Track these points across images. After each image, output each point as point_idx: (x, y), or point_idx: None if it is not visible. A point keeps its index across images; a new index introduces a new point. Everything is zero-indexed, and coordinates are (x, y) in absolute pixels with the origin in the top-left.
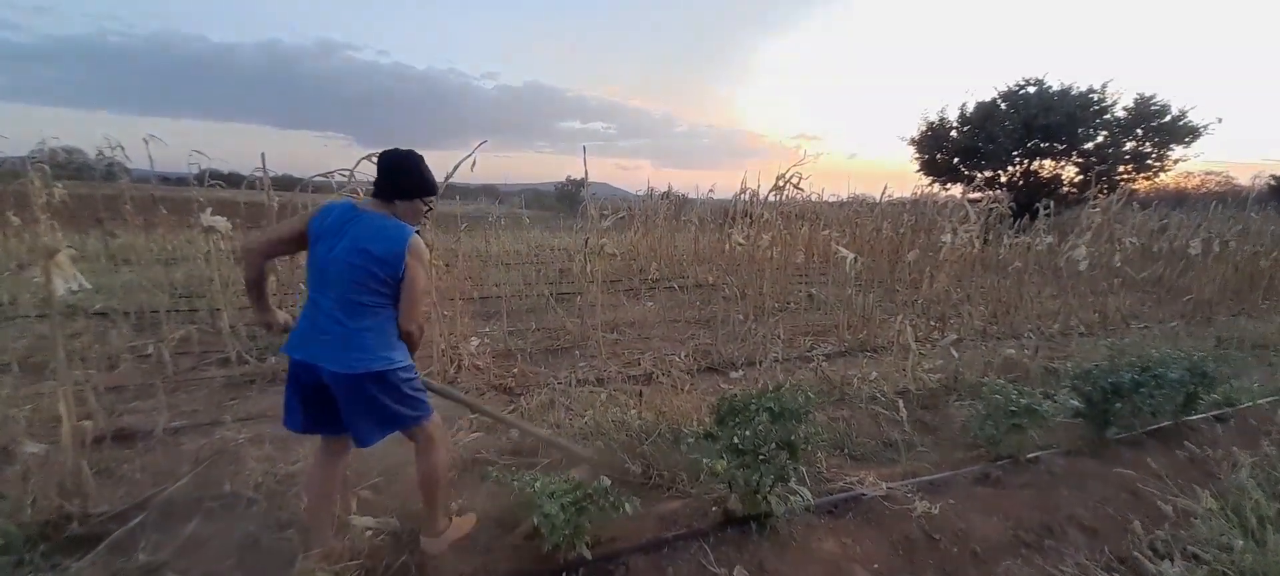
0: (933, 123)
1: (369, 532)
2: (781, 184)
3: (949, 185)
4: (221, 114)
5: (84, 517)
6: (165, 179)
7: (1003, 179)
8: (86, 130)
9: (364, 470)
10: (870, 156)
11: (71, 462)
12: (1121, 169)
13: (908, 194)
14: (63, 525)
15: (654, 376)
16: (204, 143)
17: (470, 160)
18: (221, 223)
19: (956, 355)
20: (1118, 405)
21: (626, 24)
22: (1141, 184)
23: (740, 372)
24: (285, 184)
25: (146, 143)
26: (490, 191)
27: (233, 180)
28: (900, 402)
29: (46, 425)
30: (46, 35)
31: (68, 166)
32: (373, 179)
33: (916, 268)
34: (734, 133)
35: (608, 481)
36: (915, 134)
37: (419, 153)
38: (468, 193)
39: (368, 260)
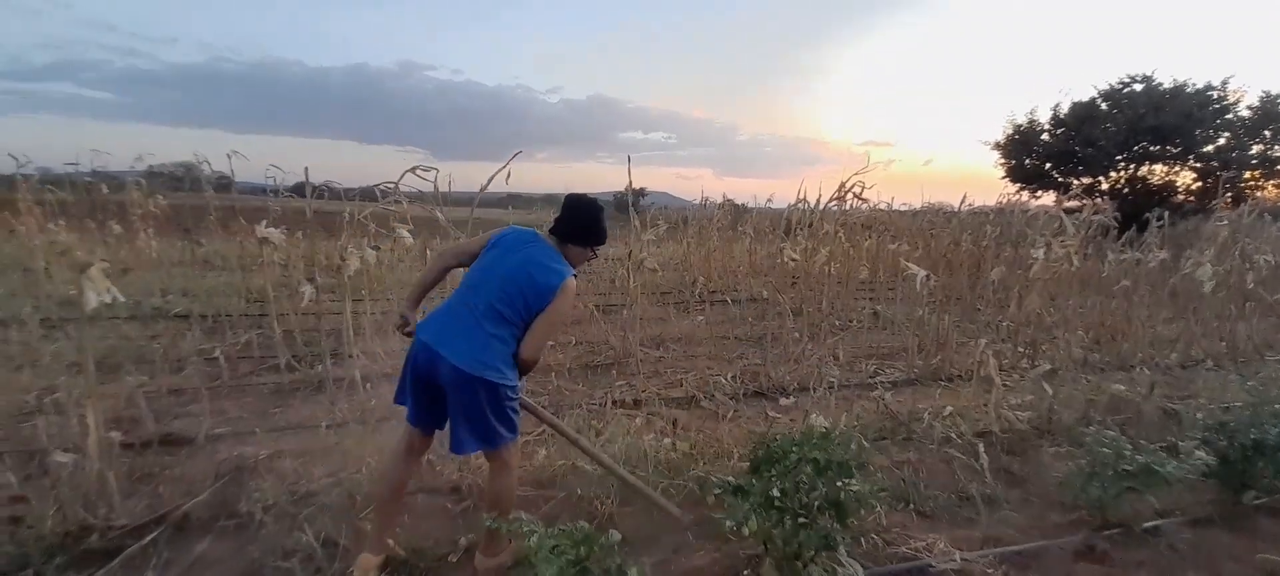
0: (1020, 125)
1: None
2: (843, 193)
3: (1040, 193)
4: (315, 131)
5: (105, 530)
6: (271, 192)
7: (1104, 186)
8: (202, 147)
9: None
10: (947, 162)
11: (98, 473)
12: (1248, 175)
13: (991, 202)
14: (83, 537)
15: (696, 400)
16: (301, 157)
17: (505, 172)
18: (275, 234)
19: (1050, 390)
20: (1259, 464)
21: (689, 36)
22: (1271, 192)
23: (791, 399)
24: (371, 196)
25: (230, 157)
26: (551, 201)
27: (320, 192)
28: (980, 446)
29: (104, 426)
30: (170, 63)
31: (185, 181)
32: (427, 190)
33: (1003, 286)
34: (799, 140)
35: (618, 536)
36: (1001, 137)
37: (600, 204)
38: (531, 202)
39: (527, 283)
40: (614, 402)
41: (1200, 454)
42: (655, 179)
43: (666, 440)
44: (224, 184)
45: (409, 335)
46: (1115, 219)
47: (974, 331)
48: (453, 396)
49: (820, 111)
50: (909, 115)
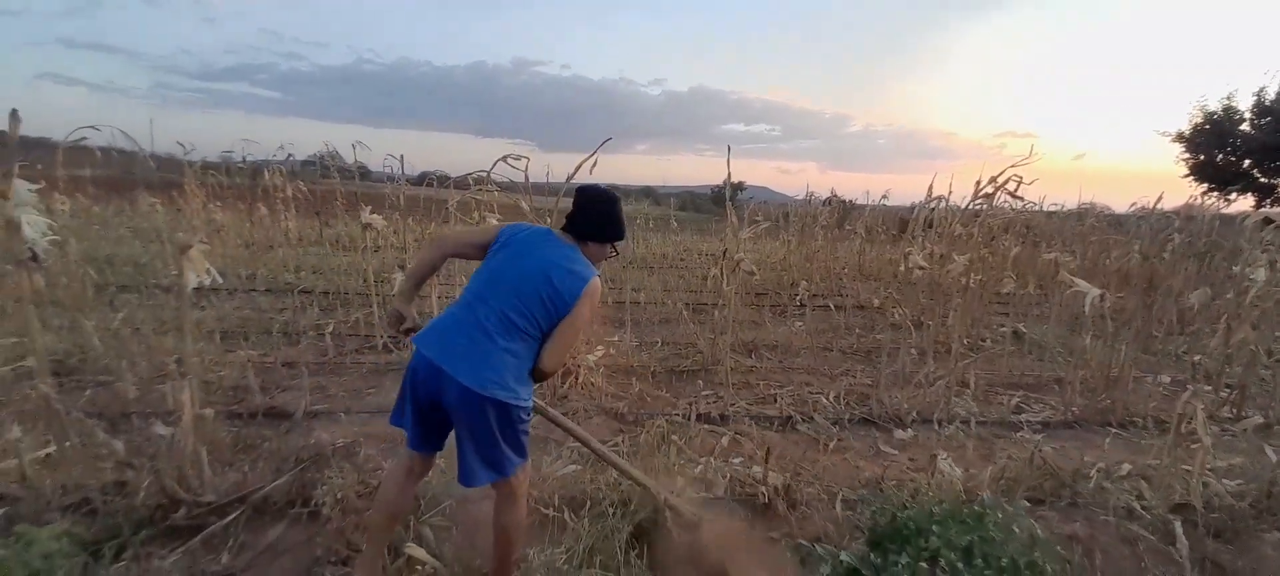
0: (1213, 114)
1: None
2: (992, 190)
3: (1234, 194)
4: (440, 125)
5: (192, 505)
6: (388, 180)
7: None
8: (346, 139)
9: (436, 500)
10: (1106, 158)
11: (191, 448)
12: None
13: (1168, 205)
14: (171, 510)
15: (792, 421)
16: (428, 149)
17: (592, 162)
18: (377, 220)
19: (1273, 456)
20: None
21: (797, 24)
22: None
23: (909, 432)
24: (465, 185)
25: (354, 149)
26: (649, 193)
27: (442, 181)
28: (1177, 525)
29: (222, 394)
30: (322, 65)
31: (331, 169)
32: (508, 180)
33: (1205, 314)
34: (919, 132)
35: None
36: (1185, 128)
37: (616, 194)
38: (628, 193)
39: (546, 288)
40: (698, 416)
41: None
42: (755, 173)
43: (756, 468)
44: (364, 172)
45: (407, 332)
46: None
47: (1151, 365)
48: (460, 420)
49: (944, 100)
50: (1053, 103)
